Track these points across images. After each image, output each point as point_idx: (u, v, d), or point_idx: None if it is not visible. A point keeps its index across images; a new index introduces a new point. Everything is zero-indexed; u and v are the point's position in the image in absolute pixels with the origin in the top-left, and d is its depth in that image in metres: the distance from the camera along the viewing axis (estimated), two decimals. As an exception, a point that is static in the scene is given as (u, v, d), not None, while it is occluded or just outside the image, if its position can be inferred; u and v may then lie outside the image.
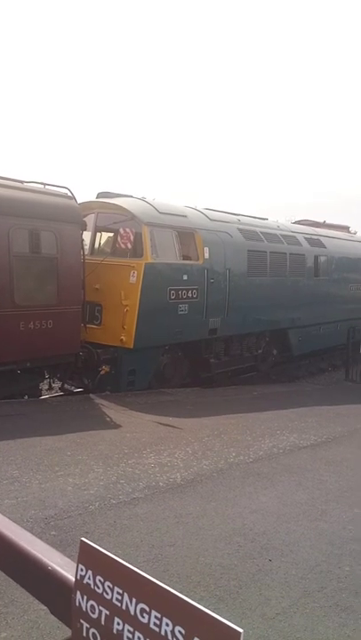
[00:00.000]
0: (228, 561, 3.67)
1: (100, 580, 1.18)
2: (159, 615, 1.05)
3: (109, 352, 8.85)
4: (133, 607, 1.10)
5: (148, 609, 1.07)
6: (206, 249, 10.07)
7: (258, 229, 11.85)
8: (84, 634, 1.20)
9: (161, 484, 4.98)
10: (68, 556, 1.41)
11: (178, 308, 9.48)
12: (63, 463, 5.33)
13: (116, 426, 6.95)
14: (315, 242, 13.79)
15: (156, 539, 3.91)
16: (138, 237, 9.10)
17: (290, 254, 12.48)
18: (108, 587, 1.16)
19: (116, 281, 8.88)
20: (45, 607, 1.44)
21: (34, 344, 7.74)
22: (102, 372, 8.74)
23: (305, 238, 13.44)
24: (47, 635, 2.78)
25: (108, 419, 7.30)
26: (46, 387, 9.16)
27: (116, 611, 1.14)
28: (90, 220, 9.38)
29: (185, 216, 10.12)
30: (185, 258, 9.80)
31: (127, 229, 9.25)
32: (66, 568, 1.31)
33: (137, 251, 9.11)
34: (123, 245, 9.33)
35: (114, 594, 1.15)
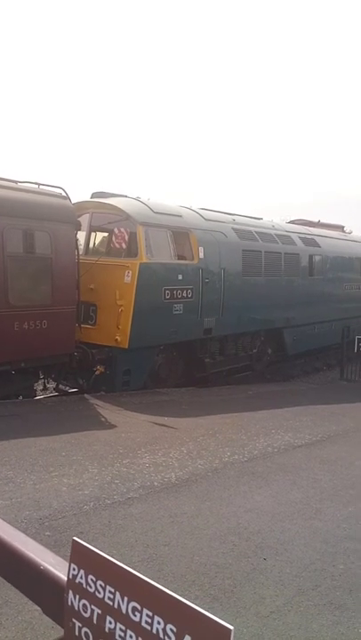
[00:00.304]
0: (223, 560, 3.68)
1: (92, 579, 1.18)
2: (151, 613, 1.05)
3: (104, 352, 8.84)
4: (125, 606, 1.10)
5: (139, 607, 1.08)
6: (201, 249, 10.07)
7: (253, 229, 11.87)
8: (77, 633, 1.20)
9: (156, 483, 4.98)
10: (62, 557, 1.41)
11: (173, 307, 9.48)
12: (58, 464, 5.32)
13: (111, 426, 6.94)
14: (309, 241, 13.83)
15: (151, 538, 3.92)
16: (133, 237, 9.09)
17: (285, 254, 12.51)
18: (100, 585, 1.16)
19: (111, 281, 8.88)
20: (39, 607, 1.44)
21: (28, 344, 7.72)
22: (97, 373, 8.73)
23: (300, 238, 13.47)
24: (41, 635, 2.77)
25: (102, 419, 7.30)
26: (41, 387, 9.14)
27: (107, 609, 1.14)
28: (84, 219, 9.37)
29: (180, 216, 10.12)
30: (180, 258, 9.80)
31: (122, 229, 9.24)
32: (58, 567, 1.31)
33: (132, 250, 9.11)
34: (117, 245, 9.33)
35: (106, 593, 1.15)
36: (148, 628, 1.05)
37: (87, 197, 9.83)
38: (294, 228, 14.11)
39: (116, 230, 9.35)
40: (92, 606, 1.17)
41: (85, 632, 1.18)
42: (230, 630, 0.93)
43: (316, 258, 13.87)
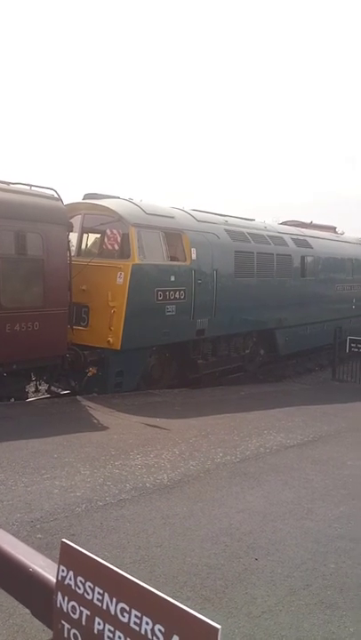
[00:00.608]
0: (215, 561, 3.69)
1: (80, 581, 1.19)
2: (139, 614, 1.06)
3: (96, 353, 8.82)
4: (114, 607, 1.11)
5: (128, 608, 1.08)
6: (194, 250, 10.09)
7: (245, 230, 11.90)
8: (66, 635, 1.21)
9: (148, 485, 4.98)
10: (54, 559, 1.41)
11: (165, 308, 9.49)
12: (50, 466, 5.30)
13: (104, 428, 6.93)
14: (301, 242, 13.89)
15: (143, 540, 3.92)
16: (125, 238, 9.09)
17: (277, 255, 12.56)
18: (89, 587, 1.17)
19: (103, 282, 8.87)
20: (29, 610, 1.44)
21: (20, 346, 7.69)
22: (89, 374, 8.71)
23: (292, 239, 13.53)
24: (32, 638, 2.77)
25: (95, 421, 7.28)
26: (33, 389, 9.10)
27: (96, 611, 1.14)
28: (76, 221, 9.35)
29: (172, 217, 10.13)
30: (172, 259, 9.81)
31: (114, 230, 9.24)
32: (47, 570, 1.31)
33: (124, 252, 9.10)
34: (110, 247, 9.32)
35: (94, 594, 1.16)
36: (137, 628, 1.06)
37: (80, 199, 9.82)
38: (286, 230, 14.17)
39: (108, 231, 9.34)
40: (81, 608, 1.18)
41: (74, 633, 1.19)
42: (218, 629, 0.94)
43: (309, 259, 13.93)
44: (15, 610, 2.93)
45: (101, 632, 1.13)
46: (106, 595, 1.13)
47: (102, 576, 1.15)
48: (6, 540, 1.47)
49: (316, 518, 4.48)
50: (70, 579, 1.21)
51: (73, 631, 1.19)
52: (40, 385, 9.23)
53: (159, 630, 1.02)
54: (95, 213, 9.52)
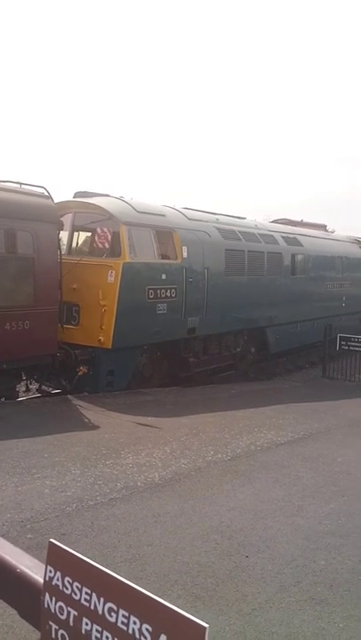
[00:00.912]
0: (206, 559, 3.69)
1: (68, 581, 1.18)
2: (127, 614, 1.06)
3: (87, 352, 8.80)
4: (102, 607, 1.11)
5: (115, 608, 1.08)
6: (185, 248, 10.08)
7: (236, 228, 11.92)
8: (53, 635, 1.20)
9: (139, 483, 4.98)
10: (44, 559, 1.40)
11: (156, 307, 9.47)
12: (40, 465, 5.28)
13: (95, 427, 6.92)
14: (292, 240, 13.93)
15: (134, 539, 3.92)
16: (116, 237, 9.06)
17: (267, 253, 12.59)
18: (77, 587, 1.17)
19: (94, 281, 8.83)
20: (16, 611, 1.43)
21: (10, 345, 7.65)
22: (80, 373, 8.68)
23: (282, 237, 13.56)
24: (22, 638, 2.76)
25: (86, 420, 7.26)
26: (23, 388, 9.05)
27: (84, 611, 1.14)
28: (67, 219, 9.31)
29: (163, 215, 10.12)
30: (163, 257, 9.80)
31: (105, 229, 9.21)
32: (35, 570, 1.31)
33: (115, 250, 9.08)
34: (100, 245, 9.29)
35: (82, 594, 1.15)
36: (125, 628, 1.06)
37: (70, 197, 9.77)
38: (277, 228, 14.21)
39: (98, 230, 9.31)
40: (69, 608, 1.18)
41: (62, 634, 1.18)
42: (205, 628, 0.94)
43: (299, 257, 13.98)
44: (5, 610, 2.91)
45: (89, 632, 1.12)
46: (93, 595, 1.12)
47: (90, 576, 1.15)
48: (-6, 541, 1.46)
49: (306, 515, 4.51)
50: (58, 579, 1.20)
51: (61, 632, 1.19)
52: (31, 384, 9.18)
53: (147, 630, 1.02)
54: (86, 212, 9.48)
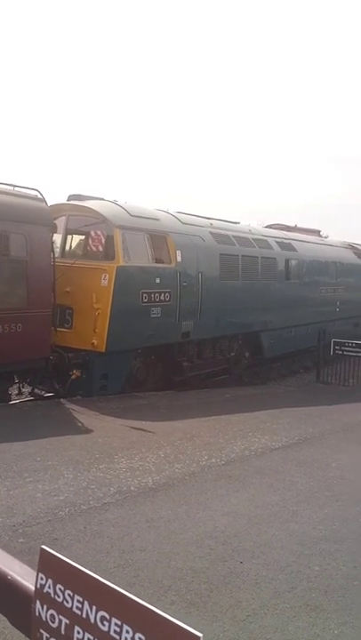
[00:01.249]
0: (200, 564, 3.66)
1: (60, 589, 1.15)
2: (119, 622, 1.03)
3: (80, 356, 8.75)
4: (94, 615, 1.08)
5: (108, 617, 1.05)
6: (179, 252, 10.08)
7: (230, 233, 11.93)
8: (44, 644, 1.17)
9: (132, 488, 4.94)
10: (36, 564, 1.37)
11: (150, 311, 9.45)
12: (32, 469, 5.23)
13: (88, 431, 6.86)
14: (286, 245, 13.97)
15: (127, 544, 3.87)
16: (109, 240, 9.04)
17: (261, 258, 12.61)
18: (69, 595, 1.14)
19: (88, 284, 8.80)
20: (6, 618, 1.40)
21: (3, 348, 7.59)
22: (73, 377, 8.63)
23: (276, 242, 13.60)
24: (13, 646, 2.70)
25: (79, 424, 7.21)
26: (16, 392, 8.99)
27: (76, 619, 1.11)
28: (61, 222, 9.28)
29: (157, 219, 10.11)
30: (157, 261, 9.78)
31: (98, 232, 9.19)
32: (26, 577, 1.27)
33: (108, 254, 9.05)
34: (94, 248, 9.27)
35: (74, 602, 1.12)
36: (117, 637, 1.03)
37: (64, 200, 9.75)
38: (271, 233, 14.24)
39: (92, 233, 9.29)
40: (60, 616, 1.15)
41: (53, 643, 1.15)
42: (199, 637, 0.92)
43: (293, 262, 14.02)
44: (-5, 617, 2.86)
45: (81, 641, 1.09)
46: (85, 603, 1.09)
47: (82, 584, 1.12)
48: (-16, 547, 1.43)
49: (300, 520, 4.48)
50: (49, 587, 1.17)
51: (52, 640, 1.16)
52: (23, 387, 9.12)
53: (140, 639, 0.99)
54: (79, 215, 9.46)
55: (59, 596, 1.15)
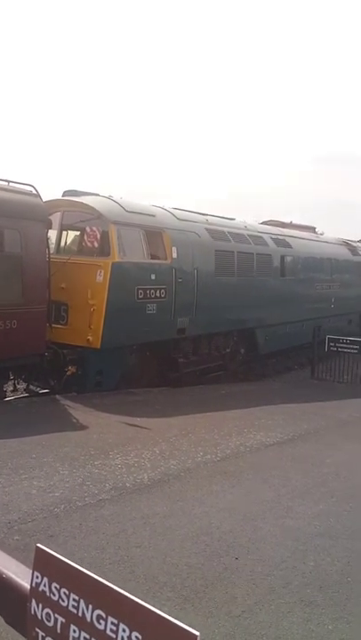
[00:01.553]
0: (195, 560, 3.67)
1: (55, 587, 1.15)
2: (116, 621, 1.02)
3: (76, 352, 8.73)
4: (90, 614, 1.07)
5: (104, 615, 1.05)
6: (174, 248, 10.06)
7: (225, 229, 11.92)
8: (40, 643, 1.16)
9: (128, 484, 4.94)
10: (31, 561, 1.37)
11: (146, 307, 9.44)
12: (28, 466, 5.22)
13: (83, 427, 6.86)
14: (281, 242, 13.97)
15: (123, 540, 3.88)
16: (105, 236, 9.01)
17: (257, 254, 12.61)
18: (64, 594, 1.13)
19: (83, 280, 8.77)
20: (2, 617, 1.40)
21: (-2, 345, 7.56)
22: (69, 373, 8.61)
23: (271, 238, 13.60)
24: (9, 643, 2.70)
25: (74, 420, 7.20)
26: (11, 388, 8.96)
27: (72, 618, 1.11)
28: (56, 218, 9.24)
29: (153, 215, 10.08)
30: (153, 257, 9.76)
31: (94, 228, 9.15)
32: (21, 576, 1.27)
33: (104, 250, 9.02)
34: (89, 244, 9.24)
35: (70, 601, 1.12)
36: (113, 636, 1.02)
37: (59, 196, 9.70)
38: (266, 229, 14.24)
39: (87, 229, 9.26)
40: (56, 615, 1.14)
41: (49, 641, 1.15)
42: (196, 636, 0.92)
43: (288, 258, 14.02)
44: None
45: (77, 640, 1.09)
46: (81, 601, 1.09)
47: (78, 582, 1.11)
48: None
49: (295, 516, 4.50)
50: (45, 585, 1.17)
51: (48, 639, 1.15)
52: (18, 384, 9.10)
53: (136, 637, 0.99)
54: (75, 210, 9.41)
55: (54, 595, 1.15)
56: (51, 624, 1.15)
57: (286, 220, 16.86)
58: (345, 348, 12.56)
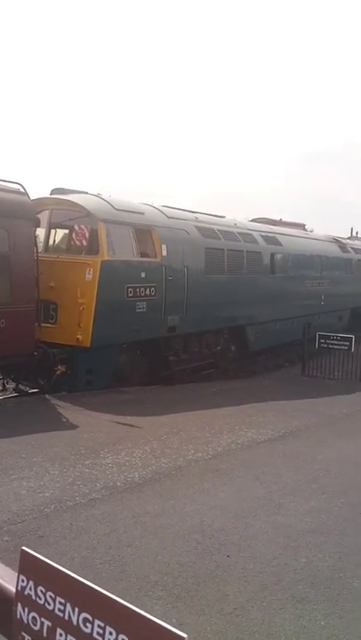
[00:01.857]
0: (187, 559, 3.65)
1: (41, 591, 1.12)
2: (102, 624, 1.00)
3: (65, 351, 8.67)
4: (76, 617, 1.05)
5: (91, 618, 1.02)
6: (164, 246, 10.03)
7: (215, 227, 11.90)
8: (26, 647, 1.14)
9: (119, 483, 4.91)
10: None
11: (136, 305, 9.40)
12: (18, 466, 5.17)
13: (73, 426, 6.81)
14: (271, 239, 13.99)
15: (114, 539, 3.85)
16: (93, 234, 8.96)
17: (247, 252, 12.61)
18: (50, 597, 1.11)
19: (72, 278, 8.71)
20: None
21: (-14, 344, 7.49)
22: (58, 372, 8.55)
23: (261, 236, 13.61)
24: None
25: (64, 419, 7.15)
26: (0, 388, 8.89)
27: (58, 621, 1.08)
28: (44, 216, 9.15)
29: (142, 213, 10.04)
30: (143, 255, 9.72)
31: (82, 226, 9.10)
32: (7, 579, 1.24)
33: (93, 248, 8.97)
34: (78, 242, 9.18)
35: (56, 604, 1.09)
36: (100, 639, 1.00)
37: (47, 194, 9.62)
38: (256, 227, 14.24)
39: (76, 227, 9.19)
40: (42, 619, 1.12)
41: (35, 646, 1.12)
42: (184, 638, 0.90)
43: (278, 256, 14.05)
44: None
45: (63, 644, 1.06)
46: (68, 605, 1.07)
47: (64, 585, 1.09)
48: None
49: (287, 513, 4.50)
50: (31, 588, 1.14)
51: (33, 643, 1.13)
52: (7, 383, 9.03)
53: (123, 640, 0.96)
54: (63, 209, 9.34)
55: (40, 598, 1.12)
56: (37, 628, 1.12)
57: (276, 217, 16.91)
58: (335, 344, 12.60)
